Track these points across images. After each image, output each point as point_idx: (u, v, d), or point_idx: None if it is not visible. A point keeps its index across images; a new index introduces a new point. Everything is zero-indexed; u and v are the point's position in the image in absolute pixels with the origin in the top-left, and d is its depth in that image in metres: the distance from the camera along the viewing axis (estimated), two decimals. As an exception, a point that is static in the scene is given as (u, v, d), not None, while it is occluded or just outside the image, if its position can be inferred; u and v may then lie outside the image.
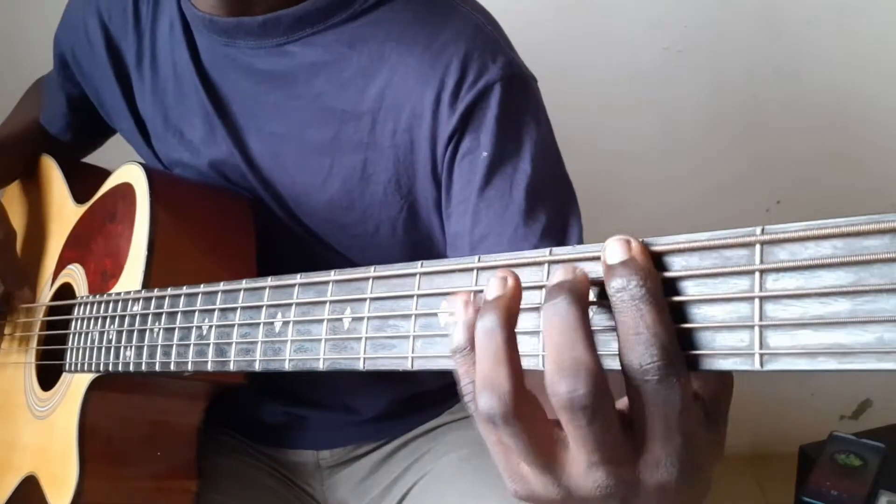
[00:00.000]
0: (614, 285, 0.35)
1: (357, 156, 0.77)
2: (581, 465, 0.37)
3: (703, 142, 1.65)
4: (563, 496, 0.39)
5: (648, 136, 1.65)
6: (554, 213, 0.73)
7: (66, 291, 0.89)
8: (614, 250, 0.36)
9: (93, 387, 0.76)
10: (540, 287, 0.39)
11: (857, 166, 1.64)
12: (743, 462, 1.82)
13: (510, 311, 0.37)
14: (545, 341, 0.36)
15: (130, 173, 0.83)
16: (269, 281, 0.54)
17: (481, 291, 0.40)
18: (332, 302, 0.49)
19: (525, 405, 0.37)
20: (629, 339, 0.35)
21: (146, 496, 0.82)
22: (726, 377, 0.38)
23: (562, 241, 0.73)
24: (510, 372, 0.37)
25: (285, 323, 0.52)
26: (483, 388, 0.37)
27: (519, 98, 0.74)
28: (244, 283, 0.56)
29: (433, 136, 0.74)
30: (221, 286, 0.58)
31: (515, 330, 0.38)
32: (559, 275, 0.37)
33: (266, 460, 0.97)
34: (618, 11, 1.56)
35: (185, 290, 0.63)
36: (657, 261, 0.36)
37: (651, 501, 0.38)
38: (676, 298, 0.34)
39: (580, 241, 0.73)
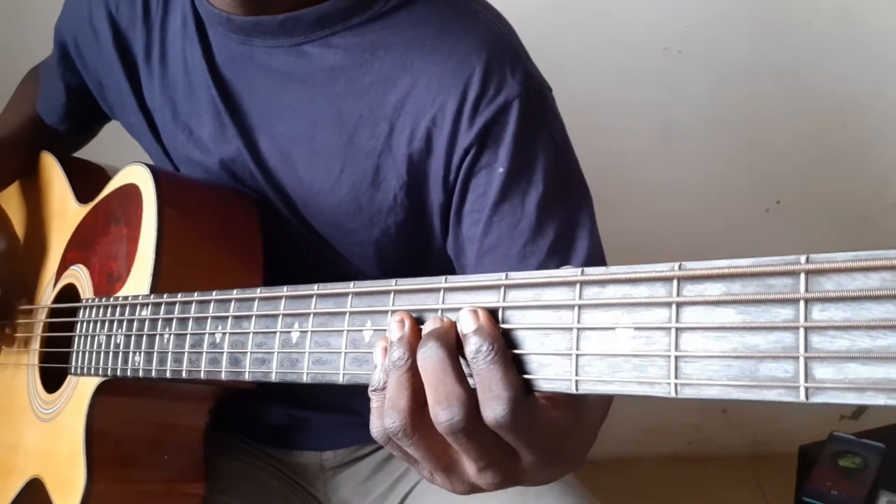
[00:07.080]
0: (469, 349, 0.42)
1: (369, 161, 0.77)
2: (473, 469, 0.45)
3: (703, 142, 1.65)
4: (470, 490, 0.47)
5: (648, 136, 1.65)
6: (564, 226, 0.74)
7: (69, 293, 0.88)
8: (467, 320, 0.42)
9: (100, 390, 0.75)
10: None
11: (857, 166, 1.64)
12: (743, 462, 1.83)
13: (411, 345, 0.44)
14: (424, 382, 0.43)
15: (136, 174, 0.82)
16: (286, 290, 0.54)
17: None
18: (351, 313, 0.49)
19: (421, 421, 0.44)
20: (484, 396, 0.41)
21: (154, 500, 0.81)
22: None
23: (567, 254, 0.74)
24: (410, 395, 0.44)
25: (303, 333, 0.51)
26: (388, 409, 0.44)
27: (536, 113, 0.75)
28: (259, 292, 0.56)
29: (451, 145, 0.74)
30: (235, 293, 0.58)
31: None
32: (428, 325, 0.44)
33: (270, 461, 0.96)
34: (618, 11, 1.56)
35: (196, 296, 0.62)
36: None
37: (538, 479, 0.48)
38: (717, 324, 0.34)
39: (590, 250, 0.75)
